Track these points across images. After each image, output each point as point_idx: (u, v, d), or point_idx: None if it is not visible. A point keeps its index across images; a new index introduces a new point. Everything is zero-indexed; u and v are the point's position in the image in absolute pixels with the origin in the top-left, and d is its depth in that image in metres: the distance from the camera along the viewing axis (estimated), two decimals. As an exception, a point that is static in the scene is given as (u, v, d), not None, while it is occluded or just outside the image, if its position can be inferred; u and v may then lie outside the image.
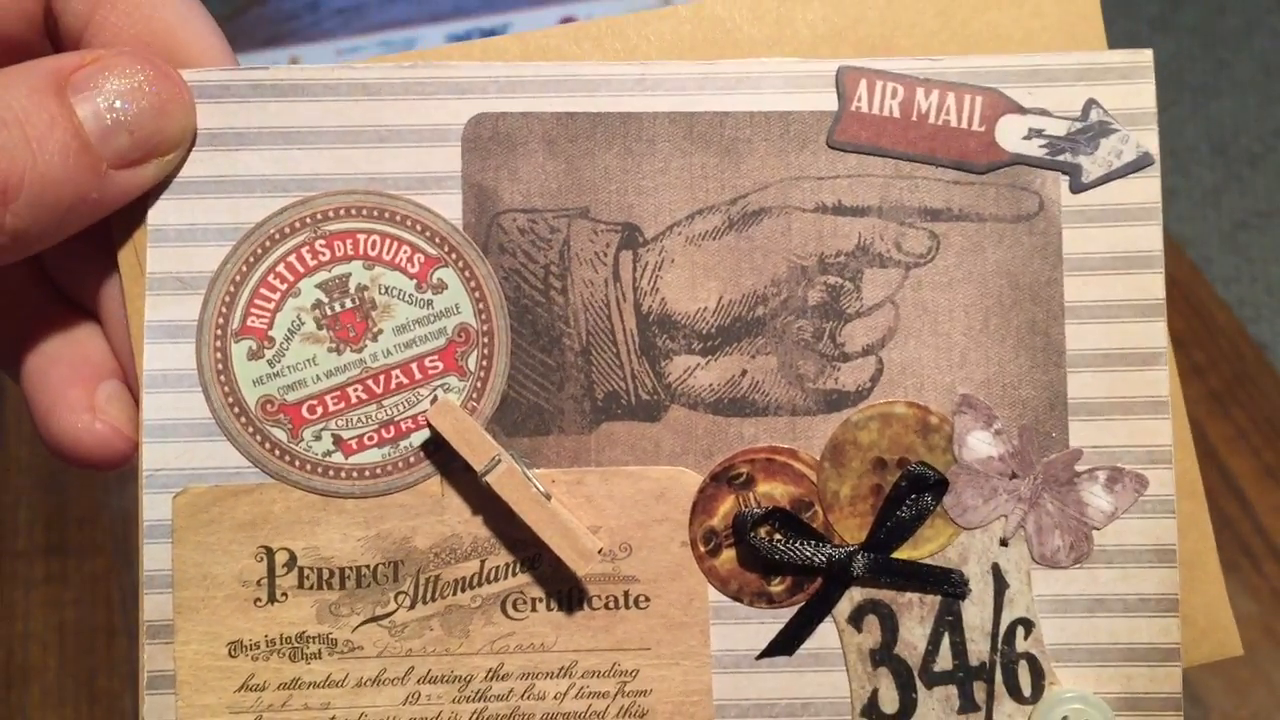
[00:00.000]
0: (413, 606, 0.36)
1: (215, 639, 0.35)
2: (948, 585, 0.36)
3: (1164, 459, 0.36)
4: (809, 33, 0.37)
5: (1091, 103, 0.36)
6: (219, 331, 0.35)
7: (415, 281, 0.36)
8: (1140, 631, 0.36)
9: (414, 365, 0.36)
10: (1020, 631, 0.36)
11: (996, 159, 0.36)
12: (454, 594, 0.36)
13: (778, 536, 0.36)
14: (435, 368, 0.36)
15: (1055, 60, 0.36)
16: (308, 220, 0.35)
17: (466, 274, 0.36)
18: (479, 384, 0.36)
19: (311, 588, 0.35)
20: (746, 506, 0.36)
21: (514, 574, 0.36)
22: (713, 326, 0.36)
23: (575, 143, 0.36)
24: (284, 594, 0.35)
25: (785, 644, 0.36)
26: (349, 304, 0.35)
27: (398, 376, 0.36)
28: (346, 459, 0.35)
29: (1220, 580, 0.37)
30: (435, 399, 0.36)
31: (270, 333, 0.35)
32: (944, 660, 0.36)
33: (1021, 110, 0.36)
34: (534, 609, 0.36)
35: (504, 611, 0.36)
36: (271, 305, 0.35)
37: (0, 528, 0.73)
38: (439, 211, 0.36)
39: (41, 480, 0.75)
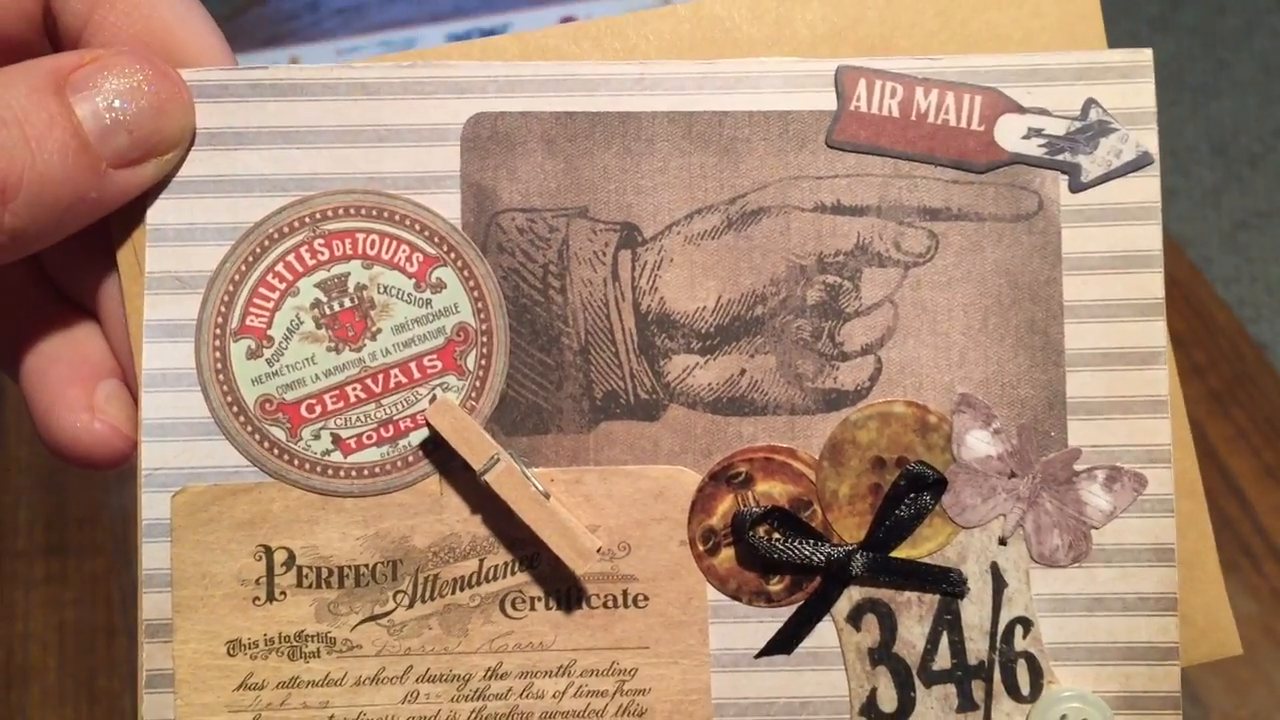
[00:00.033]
0: (411, 605, 0.36)
1: (214, 638, 0.35)
2: (946, 584, 0.36)
3: (1163, 458, 0.36)
4: (808, 32, 0.37)
5: (1091, 102, 0.36)
6: (218, 331, 0.35)
7: (414, 281, 0.36)
8: (1139, 630, 0.36)
9: (413, 364, 0.36)
10: (1019, 630, 0.36)
11: (996, 158, 0.36)
12: (453, 593, 0.36)
13: (776, 535, 0.36)
14: (434, 367, 0.36)
15: (1055, 60, 0.36)
16: (306, 220, 0.36)
17: (465, 273, 0.36)
18: (478, 383, 0.36)
19: (310, 587, 0.35)
20: (745, 505, 0.36)
21: (513, 573, 0.36)
22: (711, 326, 0.36)
23: (574, 142, 0.36)
24: (283, 593, 0.35)
25: (784, 643, 0.36)
26: (348, 303, 0.36)
27: (396, 376, 0.36)
28: (345, 458, 0.35)
29: (1219, 579, 0.37)
30: (434, 398, 0.36)
31: (269, 332, 0.35)
32: (942, 659, 0.36)
33: (1021, 110, 0.36)
34: (533, 608, 0.36)
35: (503, 610, 0.36)
36: (270, 304, 0.35)
37: (0, 528, 0.73)
38: (438, 211, 0.36)
39: (41, 480, 0.75)
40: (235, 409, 0.35)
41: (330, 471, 0.35)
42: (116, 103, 0.32)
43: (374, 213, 0.36)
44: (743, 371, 0.36)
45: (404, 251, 0.36)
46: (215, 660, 0.35)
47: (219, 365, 0.35)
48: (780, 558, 0.35)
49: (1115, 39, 0.37)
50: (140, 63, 0.33)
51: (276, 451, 0.35)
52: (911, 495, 0.36)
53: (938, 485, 0.36)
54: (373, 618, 0.36)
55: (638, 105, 0.36)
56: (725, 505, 0.36)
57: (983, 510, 0.36)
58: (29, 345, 0.36)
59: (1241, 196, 1.38)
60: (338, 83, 0.35)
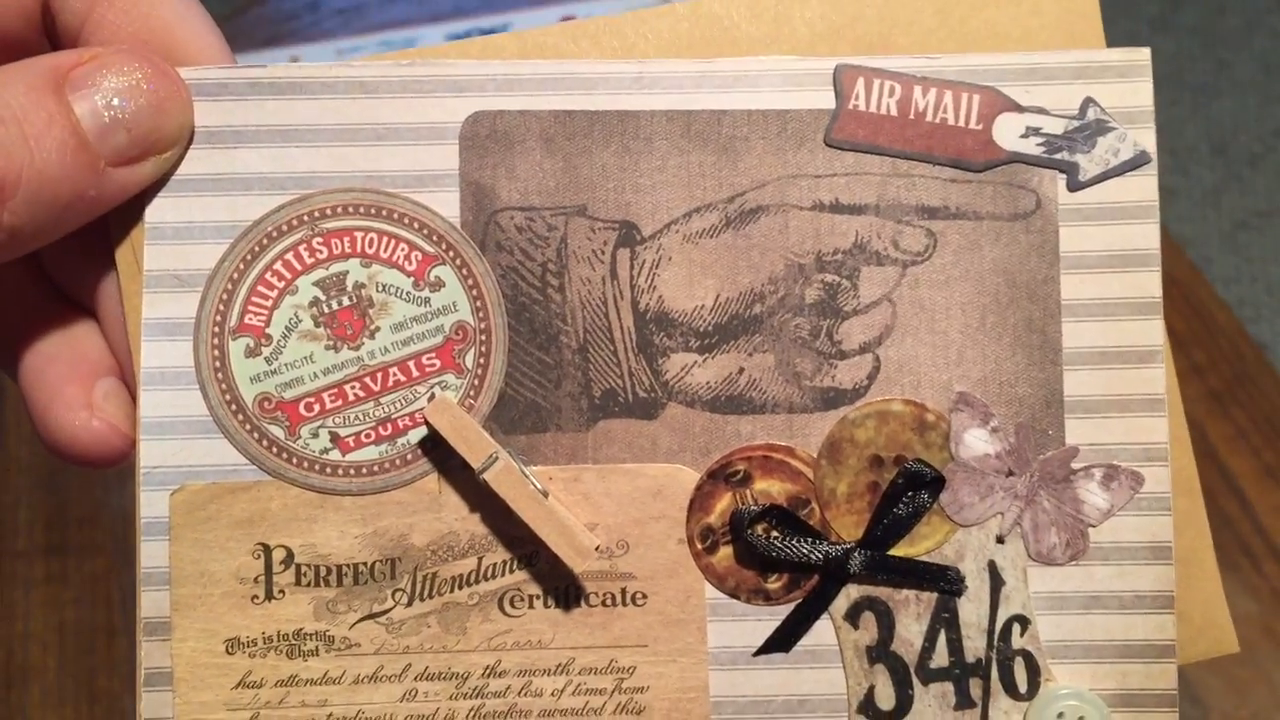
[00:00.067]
0: (410, 604, 0.36)
1: (212, 636, 0.35)
2: (944, 582, 0.36)
3: (1160, 456, 0.36)
4: (807, 31, 0.37)
5: (1089, 101, 0.36)
6: (216, 329, 0.35)
7: (413, 279, 0.36)
8: (1136, 628, 0.36)
9: (411, 363, 0.36)
10: (1016, 628, 0.36)
11: (994, 157, 0.36)
12: (451, 591, 0.36)
13: (775, 534, 0.36)
14: (433, 365, 0.36)
15: (1053, 59, 0.36)
16: (305, 218, 0.36)
17: (464, 272, 0.36)
18: (476, 381, 0.36)
19: (309, 585, 0.35)
20: (743, 504, 0.36)
21: (511, 571, 0.36)
22: (710, 324, 0.36)
23: (573, 141, 0.36)
24: (281, 591, 0.35)
25: (782, 641, 0.36)
26: (346, 301, 0.36)
27: (395, 374, 0.36)
28: (344, 456, 0.36)
29: (1216, 577, 0.37)
30: (433, 396, 0.36)
31: (267, 330, 0.35)
32: (940, 657, 0.36)
33: (1019, 108, 0.36)
34: (531, 606, 0.36)
35: (501, 608, 0.36)
36: (269, 303, 0.35)
37: (0, 528, 0.73)
38: (436, 209, 0.36)
39: (41, 480, 0.75)
40: (234, 407, 0.35)
41: (329, 470, 0.36)
42: (115, 101, 0.33)
43: (372, 211, 0.36)
44: (741, 370, 0.36)
45: (402, 250, 0.36)
46: (214, 658, 0.35)
47: (217, 363, 0.35)
48: (778, 556, 0.35)
49: (1115, 39, 0.37)
50: (139, 61, 0.33)
51: (275, 450, 0.35)
52: (909, 493, 0.36)
53: (935, 483, 0.36)
54: (371, 616, 0.36)
55: (636, 104, 0.36)
56: (723, 503, 0.36)
57: (980, 508, 0.36)
58: (27, 343, 0.36)
59: (1241, 196, 1.38)
60: (336, 81, 0.35)
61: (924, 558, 0.36)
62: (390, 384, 0.36)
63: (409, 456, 0.36)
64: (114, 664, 0.69)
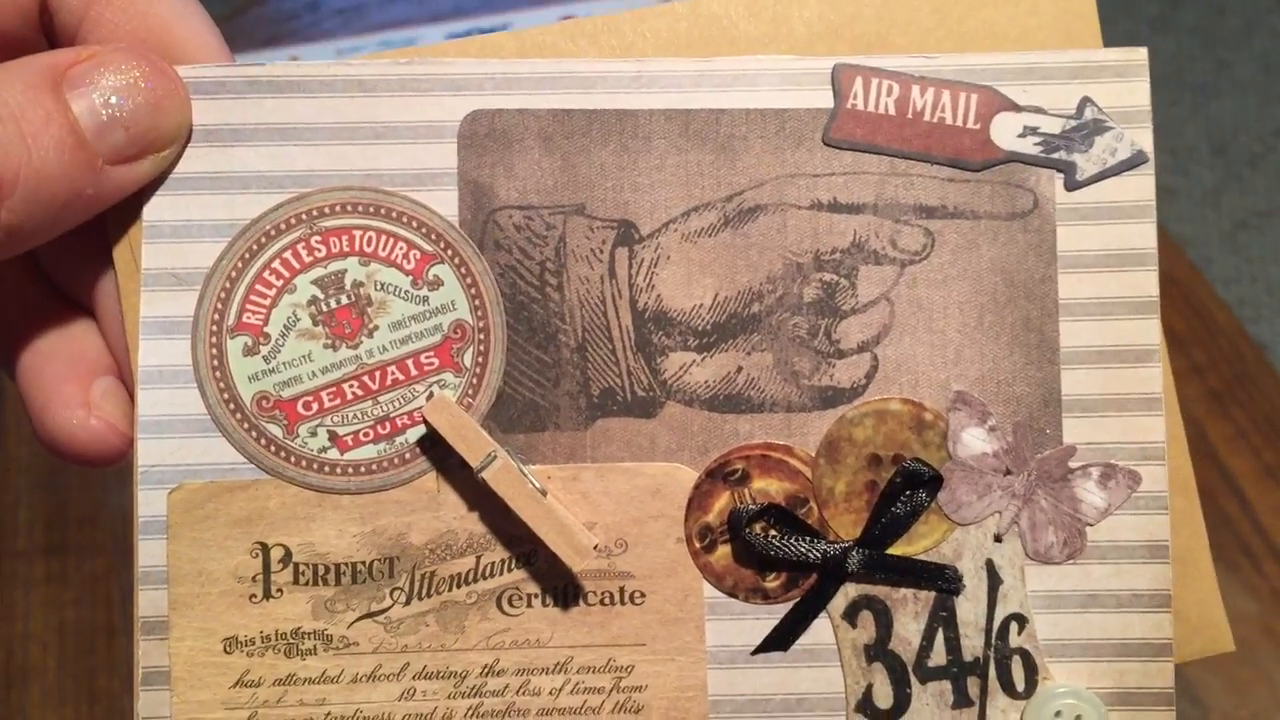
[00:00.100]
0: (408, 602, 0.36)
1: (210, 635, 0.35)
2: (942, 581, 0.36)
3: (1157, 455, 0.36)
4: (805, 30, 0.37)
5: (1086, 100, 0.36)
6: (214, 327, 0.35)
7: (411, 278, 0.36)
8: (1133, 627, 0.36)
9: (410, 361, 0.36)
10: (1014, 627, 0.36)
11: (991, 156, 0.36)
12: (449, 590, 0.36)
13: (773, 533, 0.36)
14: (431, 364, 0.36)
15: (1050, 58, 0.36)
16: (303, 216, 0.36)
17: (462, 270, 0.36)
18: (475, 380, 0.36)
19: (307, 584, 0.35)
20: (742, 503, 0.36)
21: (509, 570, 0.36)
22: (708, 323, 0.36)
23: (571, 139, 0.36)
24: (279, 590, 0.35)
25: (780, 640, 0.36)
26: (345, 300, 0.36)
27: (393, 373, 0.36)
28: (342, 455, 0.36)
29: (1213, 576, 0.37)
30: (431, 395, 0.36)
31: (266, 329, 0.35)
32: (938, 656, 0.36)
33: (1016, 108, 0.36)
34: (529, 605, 0.36)
35: (499, 607, 0.36)
36: (267, 301, 0.35)
37: (0, 528, 0.73)
38: (435, 208, 0.36)
39: (41, 480, 0.75)
40: (232, 406, 0.35)
41: (327, 468, 0.36)
42: (113, 99, 0.33)
43: (371, 210, 0.36)
44: (739, 369, 0.36)
45: (401, 248, 0.36)
46: (211, 657, 0.35)
47: (215, 362, 0.35)
48: (777, 555, 0.35)
49: (1114, 39, 0.37)
50: (137, 59, 0.33)
51: (273, 448, 0.35)
52: (907, 492, 0.36)
53: (933, 482, 0.36)
54: (369, 615, 0.36)
55: (635, 103, 0.36)
56: (722, 502, 0.36)
57: (978, 507, 0.36)
58: (25, 342, 0.36)
59: (1241, 196, 1.38)
60: (334, 80, 0.35)
61: (922, 556, 0.36)
62: (389, 383, 0.36)
63: (407, 455, 0.36)
64: (114, 664, 0.69)
